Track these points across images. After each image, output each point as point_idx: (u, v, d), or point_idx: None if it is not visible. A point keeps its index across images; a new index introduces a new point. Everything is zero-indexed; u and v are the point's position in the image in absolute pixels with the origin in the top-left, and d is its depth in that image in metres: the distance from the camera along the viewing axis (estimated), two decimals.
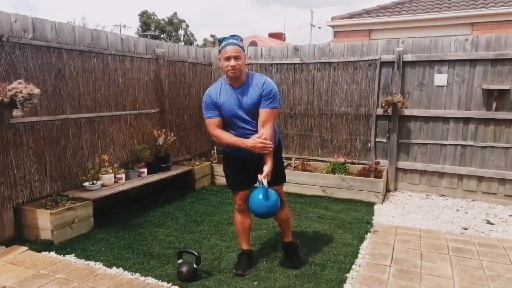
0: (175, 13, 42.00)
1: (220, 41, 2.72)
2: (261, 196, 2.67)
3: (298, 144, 5.91)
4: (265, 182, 2.67)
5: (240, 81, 2.75)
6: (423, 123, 5.20)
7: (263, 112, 2.76)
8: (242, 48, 2.70)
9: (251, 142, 2.72)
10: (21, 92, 3.02)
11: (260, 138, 2.72)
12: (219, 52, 2.71)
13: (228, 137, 2.81)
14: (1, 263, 3.10)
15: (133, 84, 4.87)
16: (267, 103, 2.76)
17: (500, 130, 4.82)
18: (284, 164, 3.21)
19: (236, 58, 2.63)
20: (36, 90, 3.10)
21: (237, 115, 2.78)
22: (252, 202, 2.74)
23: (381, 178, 4.97)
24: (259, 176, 2.71)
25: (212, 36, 41.79)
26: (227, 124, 2.85)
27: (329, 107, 5.65)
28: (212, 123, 2.81)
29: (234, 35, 2.74)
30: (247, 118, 2.80)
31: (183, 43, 35.47)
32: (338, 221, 4.20)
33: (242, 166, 2.93)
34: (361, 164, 5.47)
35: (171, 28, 40.47)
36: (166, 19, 41.19)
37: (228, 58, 2.63)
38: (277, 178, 2.98)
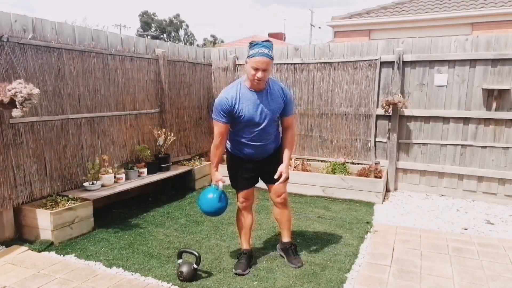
0: (177, 14, 42.04)
1: (253, 46, 2.64)
2: (214, 196, 2.90)
3: (298, 144, 5.91)
4: (220, 185, 2.90)
5: (261, 87, 2.77)
6: (423, 123, 5.20)
7: (287, 119, 2.94)
8: (272, 58, 2.69)
9: (217, 177, 2.92)
10: (20, 92, 3.02)
11: (281, 177, 2.93)
12: (249, 56, 2.65)
13: (215, 154, 2.89)
14: (1, 263, 3.10)
15: (133, 84, 4.87)
16: (289, 109, 2.91)
17: (500, 130, 4.82)
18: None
19: (265, 70, 2.63)
20: (36, 90, 3.10)
21: (254, 120, 2.79)
22: (204, 198, 2.93)
23: (381, 178, 4.97)
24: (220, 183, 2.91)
25: (212, 36, 41.82)
26: (240, 129, 2.85)
27: (329, 107, 5.65)
28: (222, 127, 2.80)
29: (267, 41, 2.68)
30: (264, 123, 2.82)
31: (183, 43, 35.47)
32: (338, 221, 4.20)
33: (247, 166, 2.97)
34: (361, 164, 5.47)
35: (171, 28, 40.50)
36: (167, 20, 41.22)
37: (256, 69, 2.62)
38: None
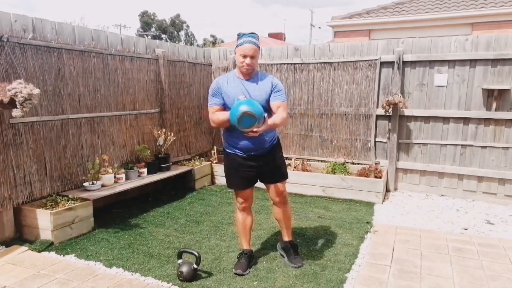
0: (178, 15, 42.04)
1: (241, 36, 2.80)
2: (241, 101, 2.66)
3: (298, 144, 5.91)
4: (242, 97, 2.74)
5: (249, 76, 2.86)
6: (423, 123, 5.20)
7: (276, 103, 2.86)
8: (259, 47, 2.82)
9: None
10: (21, 92, 3.02)
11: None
12: (236, 46, 2.80)
13: (221, 114, 2.84)
14: (1, 263, 3.10)
15: (133, 84, 4.87)
16: (278, 95, 2.88)
17: (500, 130, 4.82)
18: (285, 162, 3.21)
19: (252, 57, 2.75)
20: (36, 90, 3.10)
21: None
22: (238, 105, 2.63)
23: (381, 178, 4.97)
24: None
25: (212, 36, 41.82)
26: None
27: (329, 107, 5.65)
28: (213, 109, 2.87)
29: (253, 33, 2.82)
30: None
31: (183, 44, 35.48)
32: (338, 221, 4.20)
33: (245, 165, 2.94)
34: (361, 164, 5.47)
35: (173, 29, 40.52)
36: (168, 20, 41.23)
37: (245, 56, 2.75)
38: (277, 174, 3.03)
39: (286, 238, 3.24)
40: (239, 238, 3.24)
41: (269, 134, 2.94)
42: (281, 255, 3.28)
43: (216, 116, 2.85)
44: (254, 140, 2.83)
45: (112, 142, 4.62)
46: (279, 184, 3.03)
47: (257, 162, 2.94)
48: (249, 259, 3.11)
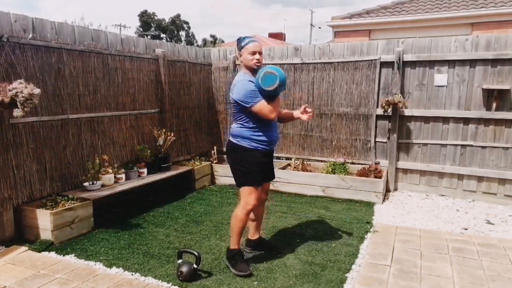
0: (178, 15, 42.02)
1: (242, 39, 2.98)
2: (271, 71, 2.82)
3: (298, 144, 5.91)
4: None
5: (256, 73, 2.95)
6: (423, 123, 5.20)
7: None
8: None
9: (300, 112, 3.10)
10: (21, 92, 3.02)
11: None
12: (242, 47, 2.94)
13: (282, 111, 3.11)
14: (1, 263, 3.10)
15: (133, 84, 4.87)
16: None
17: (500, 130, 4.82)
18: (274, 163, 3.35)
19: (260, 53, 2.96)
20: (37, 90, 3.10)
21: None
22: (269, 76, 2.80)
23: (381, 178, 4.97)
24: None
25: (212, 36, 41.81)
26: (247, 114, 2.90)
27: (329, 107, 5.65)
28: (264, 102, 2.84)
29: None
30: None
31: (183, 43, 35.49)
32: (338, 221, 4.20)
33: (263, 162, 3.01)
34: (361, 164, 5.47)
35: (173, 27, 40.49)
36: (168, 20, 41.21)
37: (254, 53, 2.92)
38: (272, 172, 3.23)
39: (259, 234, 3.41)
40: (234, 238, 3.08)
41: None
42: (257, 252, 3.35)
43: (270, 106, 2.84)
44: (276, 134, 3.08)
45: (112, 142, 4.62)
46: (270, 182, 3.29)
47: (269, 158, 3.12)
48: (243, 257, 3.14)
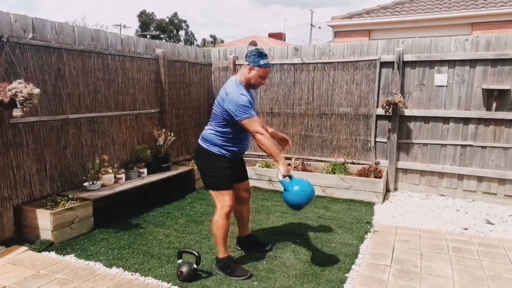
0: (175, 13, 42.03)
1: (262, 55, 2.92)
2: (303, 184, 2.84)
3: (298, 144, 5.91)
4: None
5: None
6: (423, 123, 5.20)
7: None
8: None
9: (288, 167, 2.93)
10: (21, 92, 3.02)
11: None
12: (259, 65, 2.89)
13: (271, 143, 2.86)
14: (1, 263, 3.10)
15: (133, 84, 4.87)
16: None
17: (500, 130, 4.82)
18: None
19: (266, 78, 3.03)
20: (36, 90, 3.10)
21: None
22: (294, 195, 2.80)
23: (381, 178, 4.97)
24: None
25: (212, 36, 41.80)
26: (229, 122, 2.88)
27: (329, 107, 5.65)
28: (257, 120, 2.86)
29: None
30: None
31: (183, 43, 35.49)
32: (338, 221, 4.20)
33: (230, 167, 3.01)
34: (361, 164, 5.47)
35: (171, 27, 40.49)
36: (167, 19, 41.20)
37: (265, 78, 2.97)
38: (246, 172, 3.31)
39: (248, 231, 3.43)
40: (220, 245, 3.01)
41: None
42: (246, 249, 3.38)
43: (267, 135, 2.84)
44: (247, 144, 3.12)
45: (112, 142, 4.62)
46: (247, 181, 3.32)
47: (235, 163, 3.09)
48: (236, 262, 3.12)
